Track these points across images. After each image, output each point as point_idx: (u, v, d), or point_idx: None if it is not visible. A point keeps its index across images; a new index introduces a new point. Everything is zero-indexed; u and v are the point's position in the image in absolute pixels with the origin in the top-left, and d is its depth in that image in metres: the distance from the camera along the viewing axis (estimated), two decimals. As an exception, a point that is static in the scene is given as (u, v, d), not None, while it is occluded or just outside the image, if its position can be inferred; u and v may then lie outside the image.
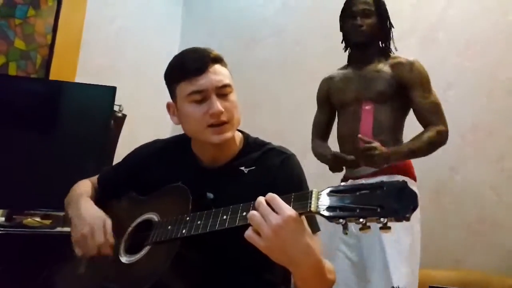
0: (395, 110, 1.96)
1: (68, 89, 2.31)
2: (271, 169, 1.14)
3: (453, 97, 2.77)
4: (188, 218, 1.03)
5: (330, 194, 0.84)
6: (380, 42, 2.06)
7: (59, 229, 2.05)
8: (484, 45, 2.73)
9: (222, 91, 1.13)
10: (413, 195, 0.77)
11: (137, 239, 1.13)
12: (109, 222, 1.14)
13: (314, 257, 0.88)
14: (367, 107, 1.94)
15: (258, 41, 3.41)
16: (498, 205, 2.55)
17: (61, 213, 2.16)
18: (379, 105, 1.93)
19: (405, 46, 2.95)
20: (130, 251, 1.11)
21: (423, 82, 1.94)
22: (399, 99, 1.95)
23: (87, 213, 1.17)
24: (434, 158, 2.71)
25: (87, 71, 2.81)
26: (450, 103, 2.77)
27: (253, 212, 0.87)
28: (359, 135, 1.79)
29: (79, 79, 2.71)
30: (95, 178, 1.36)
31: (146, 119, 3.12)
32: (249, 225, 0.92)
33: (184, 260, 1.01)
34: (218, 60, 1.16)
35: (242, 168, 1.16)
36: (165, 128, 2.96)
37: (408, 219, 0.75)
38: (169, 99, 1.22)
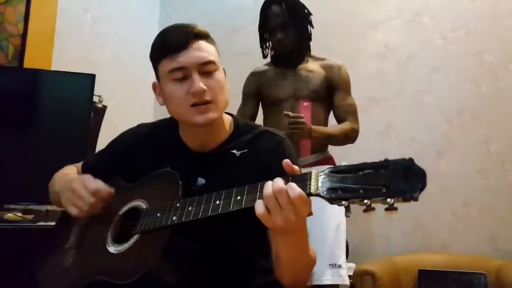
0: (324, 108, 2.11)
1: (45, 78, 2.21)
2: (264, 151, 1.10)
3: (438, 81, 2.78)
4: (178, 205, 0.97)
5: (331, 174, 0.80)
6: (304, 46, 2.15)
7: (41, 223, 1.97)
8: (469, 29, 2.73)
9: (205, 69, 1.06)
10: (421, 173, 0.72)
11: (125, 227, 1.07)
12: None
13: (304, 235, 0.95)
14: (305, 104, 2.06)
15: (239, 30, 3.35)
16: (485, 188, 2.56)
17: (43, 208, 2.08)
18: (314, 103, 2.07)
19: (390, 30, 2.94)
20: (117, 240, 1.05)
21: (347, 85, 2.12)
22: (328, 98, 2.11)
23: (75, 175, 1.14)
24: (419, 142, 2.73)
25: (63, 61, 2.71)
26: (435, 87, 2.78)
27: (270, 196, 0.83)
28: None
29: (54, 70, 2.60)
30: (79, 165, 1.30)
31: (127, 110, 3.03)
32: (243, 209, 0.88)
33: (175, 249, 0.96)
34: (203, 36, 1.08)
35: (234, 151, 1.11)
36: (147, 119, 2.87)
37: (416, 199, 0.71)
38: (149, 87, 1.16)
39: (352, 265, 2.52)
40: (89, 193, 1.04)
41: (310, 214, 1.06)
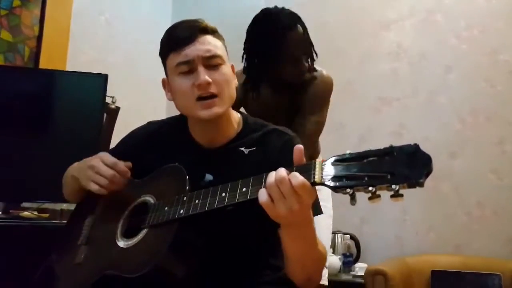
0: None
1: (57, 78, 2.24)
2: (272, 150, 1.09)
3: (453, 81, 2.75)
4: (185, 198, 0.98)
5: (335, 163, 0.80)
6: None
7: (56, 221, 2.01)
8: (484, 28, 2.70)
9: (211, 62, 1.07)
10: (427, 159, 0.72)
11: (134, 222, 1.08)
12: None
13: (311, 228, 0.94)
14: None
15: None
16: (499, 189, 2.52)
17: (58, 207, 2.11)
18: None
19: (402, 29, 2.92)
20: (127, 235, 1.06)
21: (312, 104, 1.76)
22: None
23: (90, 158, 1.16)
24: (433, 142, 2.70)
25: (77, 63, 2.74)
26: (449, 87, 2.75)
27: (272, 184, 0.83)
28: None
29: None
30: None
31: (140, 111, 3.05)
32: (249, 201, 0.88)
33: (183, 243, 0.97)
34: (209, 31, 1.10)
35: (242, 148, 1.11)
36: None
37: (422, 185, 0.70)
38: (161, 88, 1.18)
39: (364, 265, 2.51)
40: (108, 167, 1.07)
41: (320, 212, 1.05)
